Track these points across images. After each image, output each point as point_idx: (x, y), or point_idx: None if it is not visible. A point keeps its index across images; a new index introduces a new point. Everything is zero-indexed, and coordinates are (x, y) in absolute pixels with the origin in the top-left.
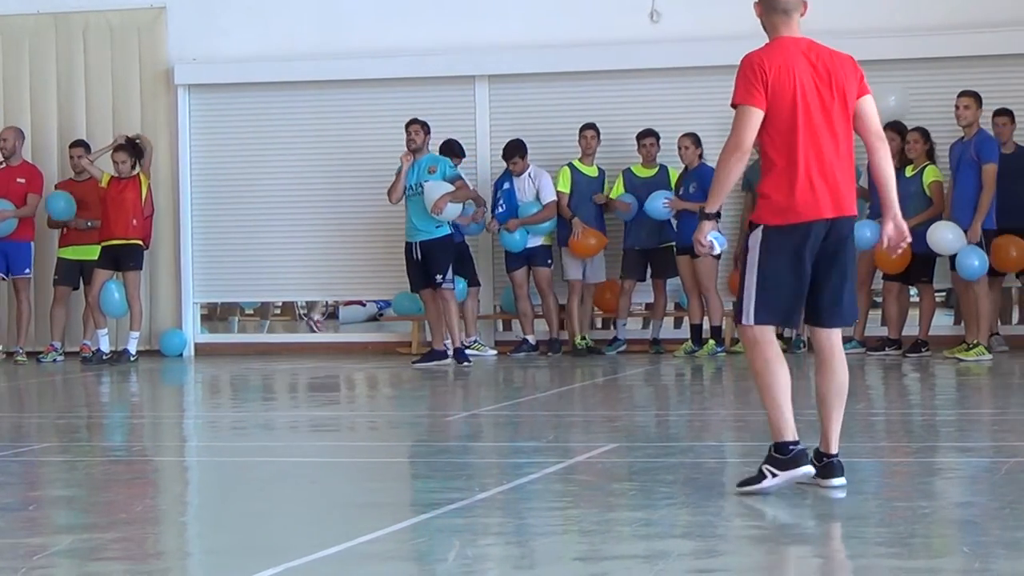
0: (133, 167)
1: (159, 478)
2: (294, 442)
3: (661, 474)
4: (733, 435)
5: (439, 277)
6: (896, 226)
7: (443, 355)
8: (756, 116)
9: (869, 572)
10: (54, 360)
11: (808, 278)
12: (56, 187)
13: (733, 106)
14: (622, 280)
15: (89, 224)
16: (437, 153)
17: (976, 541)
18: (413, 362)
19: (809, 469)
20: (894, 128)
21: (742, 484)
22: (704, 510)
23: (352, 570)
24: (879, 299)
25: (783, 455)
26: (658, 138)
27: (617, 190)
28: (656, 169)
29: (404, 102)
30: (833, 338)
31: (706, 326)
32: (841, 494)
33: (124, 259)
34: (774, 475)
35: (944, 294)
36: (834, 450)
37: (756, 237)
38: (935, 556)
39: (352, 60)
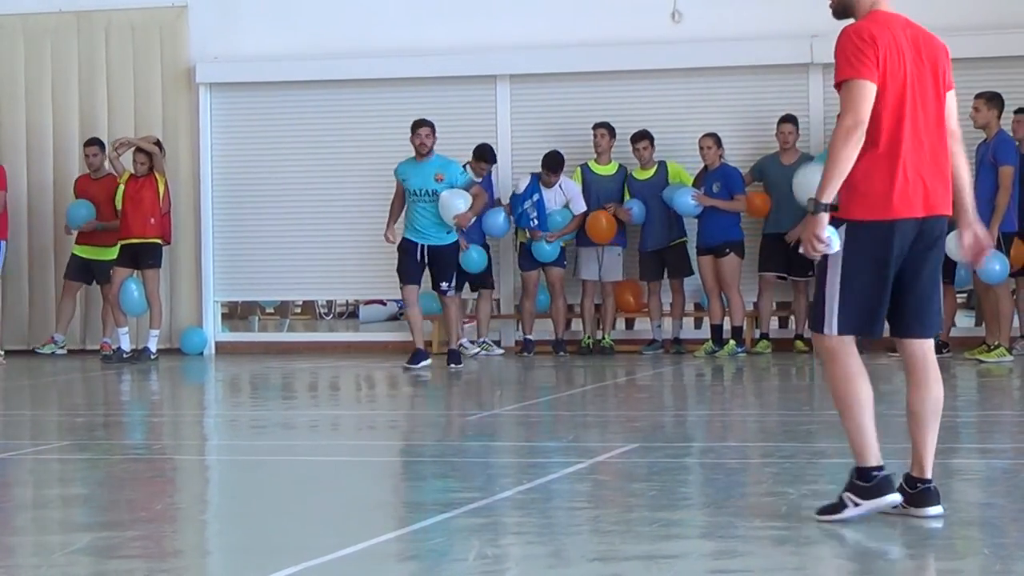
0: (150, 168)
1: (179, 476)
2: (313, 441)
3: (681, 475)
4: (753, 436)
5: (444, 285)
6: (976, 235)
7: (425, 356)
8: (871, 90)
9: (889, 573)
10: (52, 352)
11: (891, 283)
12: (76, 182)
13: (838, 85)
14: (644, 283)
15: (99, 226)
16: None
17: (996, 543)
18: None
19: (895, 498)
20: None
21: (823, 512)
22: (724, 511)
23: (371, 569)
24: None
25: (866, 482)
26: (652, 140)
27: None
28: (654, 168)
29: (425, 101)
30: (926, 349)
31: (727, 326)
32: (938, 524)
33: (143, 257)
34: (856, 504)
35: (965, 295)
36: (928, 475)
37: (839, 234)
38: (956, 558)
39: (374, 59)
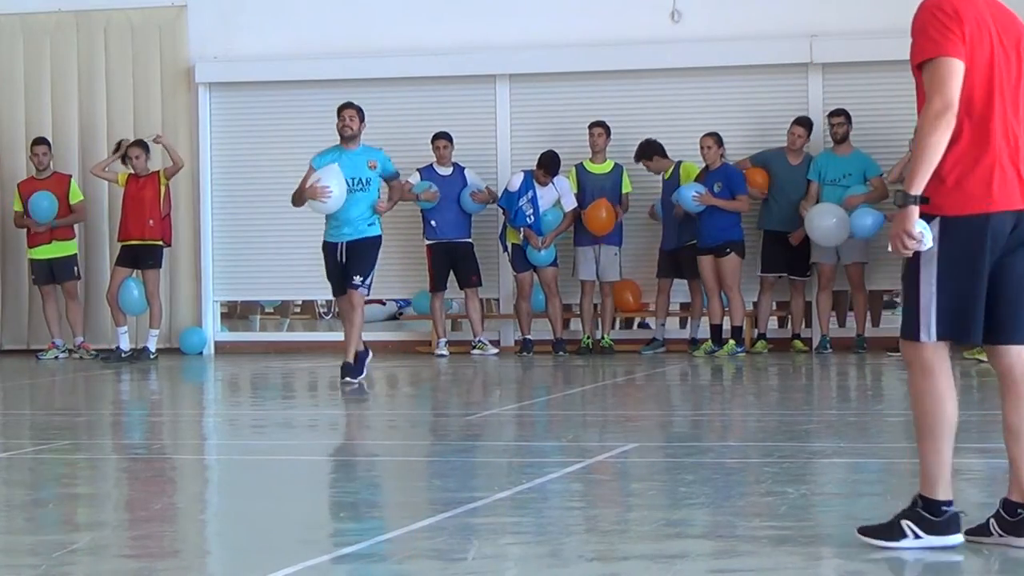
0: (148, 163)
1: (178, 476)
2: (313, 440)
3: (680, 474)
4: (753, 436)
5: (358, 278)
6: None
7: (367, 353)
8: (959, 68)
9: (888, 573)
10: (55, 357)
11: (987, 282)
12: (19, 185)
13: (918, 66)
14: (657, 279)
15: (54, 225)
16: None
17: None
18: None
19: (960, 538)
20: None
21: (873, 535)
22: (724, 510)
23: (371, 569)
24: (899, 299)
25: (934, 516)
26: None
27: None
28: (671, 168)
29: (425, 101)
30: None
31: (726, 325)
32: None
33: (143, 258)
34: (917, 536)
35: None
36: None
37: (930, 230)
38: (954, 555)
39: (373, 59)
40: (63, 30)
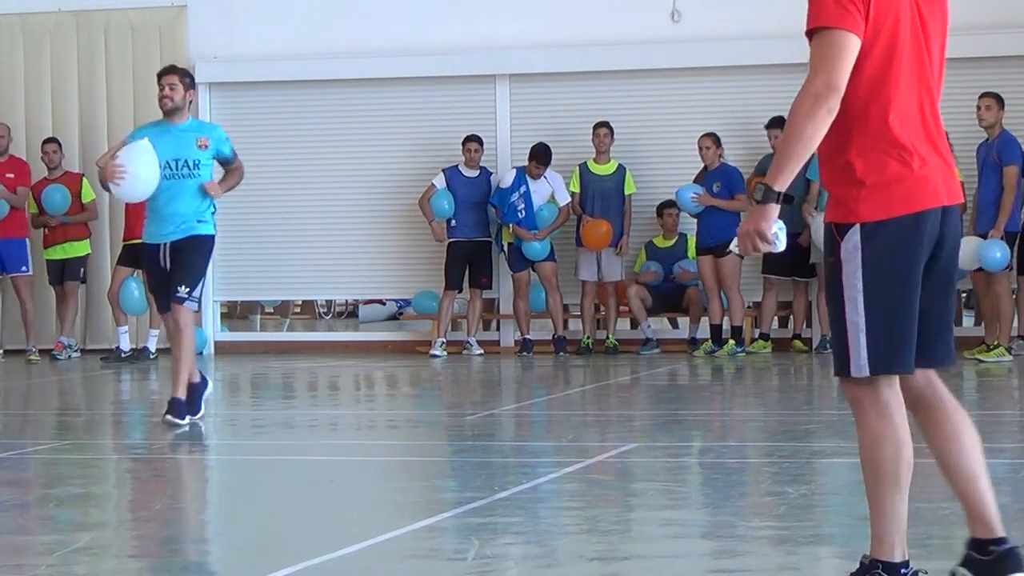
0: None
1: (178, 476)
2: (313, 441)
3: (680, 474)
4: (753, 436)
5: (183, 288)
6: None
7: (205, 384)
8: (853, 44)
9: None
10: (68, 357)
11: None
12: (35, 188)
13: (809, 33)
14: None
15: (65, 220)
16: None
17: None
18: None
19: None
20: None
21: None
22: (723, 510)
23: (371, 569)
24: None
25: None
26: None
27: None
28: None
29: (425, 101)
30: (941, 381)
31: (726, 326)
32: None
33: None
34: None
35: (965, 295)
36: (1001, 531)
37: (852, 243)
38: (955, 558)
39: (373, 59)
40: (63, 30)
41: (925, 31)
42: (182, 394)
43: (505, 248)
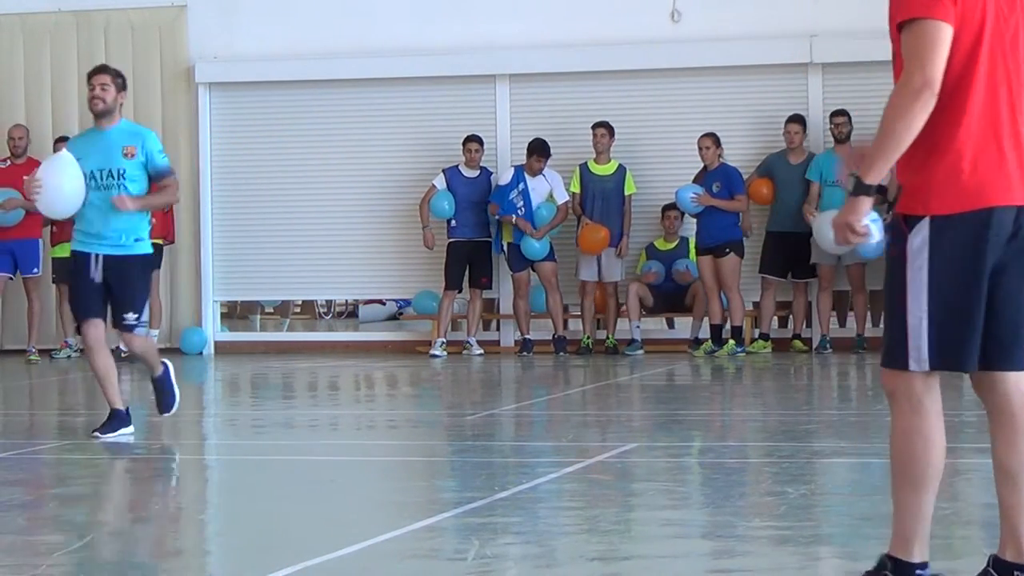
0: None
1: (178, 476)
2: (313, 440)
3: (680, 474)
4: (753, 436)
5: (131, 316)
6: None
7: (125, 420)
8: (947, 34)
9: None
10: (68, 356)
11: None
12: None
13: (900, 25)
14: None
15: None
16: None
17: (996, 543)
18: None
19: None
20: None
21: None
22: (723, 510)
23: (371, 569)
24: None
25: None
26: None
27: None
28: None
29: (425, 101)
30: (1022, 386)
31: (727, 326)
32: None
33: None
34: None
35: None
36: None
37: (920, 236)
38: (955, 557)
39: (373, 59)
40: (63, 30)
41: (1009, 26)
42: (121, 405)
43: (504, 248)
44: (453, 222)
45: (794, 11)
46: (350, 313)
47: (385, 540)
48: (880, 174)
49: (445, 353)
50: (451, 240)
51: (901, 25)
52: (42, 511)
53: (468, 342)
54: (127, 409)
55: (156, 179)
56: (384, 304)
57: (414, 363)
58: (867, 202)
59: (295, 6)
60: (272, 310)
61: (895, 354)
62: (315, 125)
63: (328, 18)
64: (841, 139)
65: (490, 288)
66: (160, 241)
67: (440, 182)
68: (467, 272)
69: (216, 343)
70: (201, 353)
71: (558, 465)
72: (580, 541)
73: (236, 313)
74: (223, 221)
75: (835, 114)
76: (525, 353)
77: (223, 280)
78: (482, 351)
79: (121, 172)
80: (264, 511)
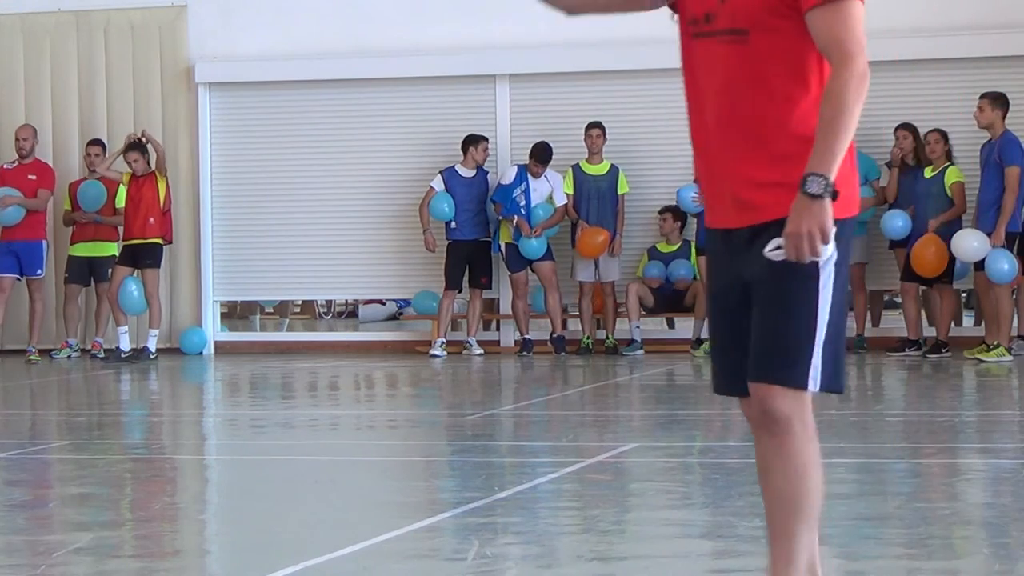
0: (148, 164)
1: (178, 476)
2: (313, 440)
3: (680, 474)
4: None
5: None
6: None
7: None
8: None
9: (889, 573)
10: (68, 356)
11: None
12: (72, 185)
13: (824, 3)
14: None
15: (97, 219)
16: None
17: (997, 543)
18: None
19: None
20: (907, 127)
21: None
22: (723, 510)
23: (371, 569)
24: (898, 299)
25: None
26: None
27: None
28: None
29: (424, 101)
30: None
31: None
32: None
33: (142, 257)
34: None
35: (965, 295)
36: None
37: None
38: (955, 557)
39: (372, 59)
40: (63, 30)
41: None
42: None
43: (503, 248)
44: (453, 223)
45: None
46: (350, 313)
47: (385, 540)
48: (835, 171)
49: (445, 353)
50: (451, 240)
51: (817, 7)
52: (42, 511)
53: (468, 342)
54: None
55: None
56: (384, 304)
57: (414, 363)
58: (827, 206)
59: (295, 6)
60: (272, 310)
61: (795, 371)
62: (315, 125)
63: (328, 18)
64: None
65: (490, 288)
66: (159, 240)
67: (438, 184)
68: (467, 272)
69: (216, 343)
70: (201, 353)
71: (558, 465)
72: (580, 541)
73: (236, 313)
74: (223, 221)
75: None
76: (525, 353)
77: (223, 280)
78: (482, 351)
79: None
80: (264, 511)
